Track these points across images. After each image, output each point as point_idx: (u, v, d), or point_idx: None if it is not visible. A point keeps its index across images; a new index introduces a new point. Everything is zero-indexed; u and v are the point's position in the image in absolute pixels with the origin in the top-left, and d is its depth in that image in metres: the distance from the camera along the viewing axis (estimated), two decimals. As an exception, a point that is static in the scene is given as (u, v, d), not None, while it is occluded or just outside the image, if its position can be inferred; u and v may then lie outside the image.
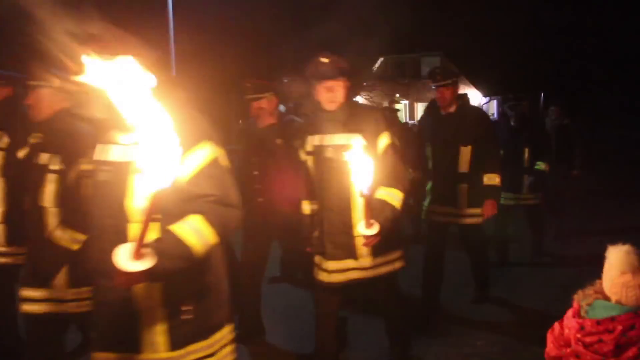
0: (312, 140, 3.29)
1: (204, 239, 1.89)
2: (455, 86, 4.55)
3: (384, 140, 3.13)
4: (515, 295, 5.14)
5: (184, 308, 1.97)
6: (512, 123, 6.13)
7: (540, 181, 6.01)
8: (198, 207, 1.91)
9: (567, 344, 2.15)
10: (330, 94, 3.12)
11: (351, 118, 3.14)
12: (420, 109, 40.03)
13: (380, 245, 3.08)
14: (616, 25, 27.46)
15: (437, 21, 31.13)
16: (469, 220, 4.54)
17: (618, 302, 2.04)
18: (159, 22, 14.59)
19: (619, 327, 1.99)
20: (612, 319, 2.01)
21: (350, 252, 3.18)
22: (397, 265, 3.30)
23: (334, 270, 3.22)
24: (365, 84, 28.00)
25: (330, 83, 3.11)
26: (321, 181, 3.26)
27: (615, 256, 2.05)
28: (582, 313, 2.11)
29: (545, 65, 29.65)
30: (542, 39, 30.22)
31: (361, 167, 2.39)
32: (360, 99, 26.51)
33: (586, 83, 28.12)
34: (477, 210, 4.50)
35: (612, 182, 11.86)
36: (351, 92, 3.21)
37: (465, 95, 4.71)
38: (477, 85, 35.07)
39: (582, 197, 8.93)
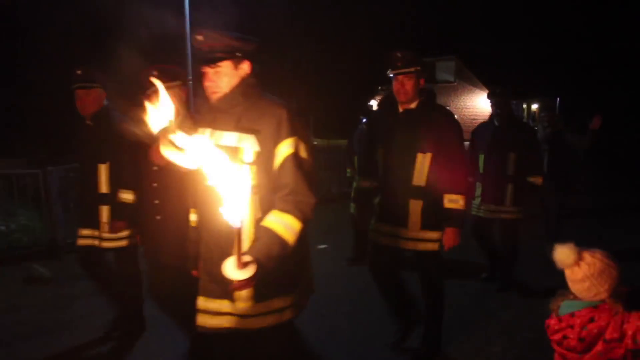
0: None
1: None
2: (419, 77, 3.58)
3: (285, 148, 2.30)
4: (531, 301, 5.05)
5: None
6: (496, 123, 5.25)
7: (526, 194, 5.21)
8: None
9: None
10: (210, 83, 2.39)
11: (248, 113, 2.37)
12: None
13: (266, 288, 2.34)
14: (636, 28, 27.12)
15: (452, 25, 31.04)
16: (422, 246, 3.59)
17: (577, 299, 2.16)
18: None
19: (577, 321, 2.10)
20: (571, 315, 2.13)
21: (226, 290, 2.34)
22: (287, 315, 2.45)
23: (204, 311, 2.46)
24: (380, 88, 27.99)
25: (208, 69, 2.37)
26: (202, 190, 2.43)
27: (556, 254, 2.15)
28: (555, 316, 2.24)
29: (562, 69, 29.41)
30: (559, 42, 29.97)
31: (233, 184, 1.69)
32: (375, 103, 26.44)
33: (605, 87, 27.79)
34: (434, 234, 3.59)
35: (626, 193, 11.44)
36: (251, 77, 2.42)
37: (430, 90, 3.78)
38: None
39: (588, 214, 8.62)
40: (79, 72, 3.92)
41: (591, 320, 2.08)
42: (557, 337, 2.18)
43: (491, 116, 5.32)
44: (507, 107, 5.20)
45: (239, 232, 1.81)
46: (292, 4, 23.33)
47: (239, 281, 2.01)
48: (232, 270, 1.97)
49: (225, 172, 1.71)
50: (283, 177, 2.29)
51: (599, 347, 2.06)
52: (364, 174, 4.06)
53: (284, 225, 2.23)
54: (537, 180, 5.17)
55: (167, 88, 3.44)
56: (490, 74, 32.01)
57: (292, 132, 2.31)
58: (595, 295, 2.10)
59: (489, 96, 5.29)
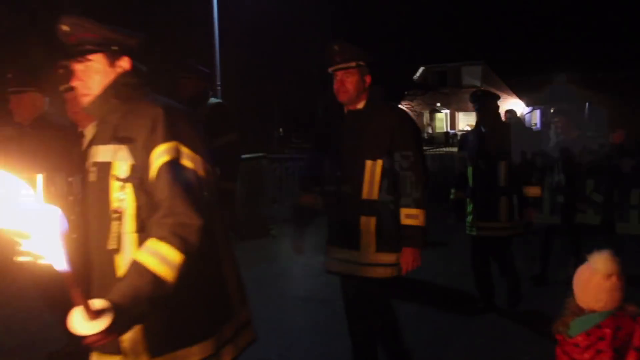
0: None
1: None
2: (363, 73, 3.02)
3: (160, 156, 1.78)
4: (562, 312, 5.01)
5: None
6: (482, 130, 4.72)
7: (523, 207, 4.68)
8: None
9: None
10: (79, 82, 1.92)
11: (124, 120, 1.88)
12: (461, 118, 39.73)
13: (162, 338, 1.83)
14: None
15: (479, 30, 30.88)
16: (374, 272, 3.00)
17: (593, 310, 2.06)
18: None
19: (608, 331, 2.01)
20: (598, 327, 2.04)
21: (114, 343, 1.77)
22: None
23: None
24: (406, 93, 27.96)
25: (77, 65, 1.90)
26: (87, 219, 1.99)
27: (601, 261, 2.07)
28: (567, 338, 2.13)
29: (590, 74, 28.99)
30: (587, 46, 29.55)
31: (41, 218, 1.29)
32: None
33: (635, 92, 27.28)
34: (389, 257, 3.00)
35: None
36: (130, 76, 1.92)
37: (378, 88, 3.16)
38: (520, 95, 34.54)
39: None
40: (9, 75, 3.68)
41: (618, 328, 2.01)
42: (588, 355, 2.05)
43: (477, 123, 4.87)
44: (491, 111, 4.74)
45: (72, 277, 1.37)
46: (319, 5, 23.41)
47: (91, 336, 1.49)
48: (80, 322, 1.46)
49: (26, 205, 1.28)
50: (157, 193, 1.76)
51: (631, 357, 1.98)
52: (305, 187, 3.40)
53: (158, 257, 1.67)
54: (535, 191, 4.67)
55: (69, 89, 3.18)
56: (518, 79, 31.76)
57: (170, 136, 1.79)
58: (618, 302, 2.04)
59: (470, 100, 4.87)
